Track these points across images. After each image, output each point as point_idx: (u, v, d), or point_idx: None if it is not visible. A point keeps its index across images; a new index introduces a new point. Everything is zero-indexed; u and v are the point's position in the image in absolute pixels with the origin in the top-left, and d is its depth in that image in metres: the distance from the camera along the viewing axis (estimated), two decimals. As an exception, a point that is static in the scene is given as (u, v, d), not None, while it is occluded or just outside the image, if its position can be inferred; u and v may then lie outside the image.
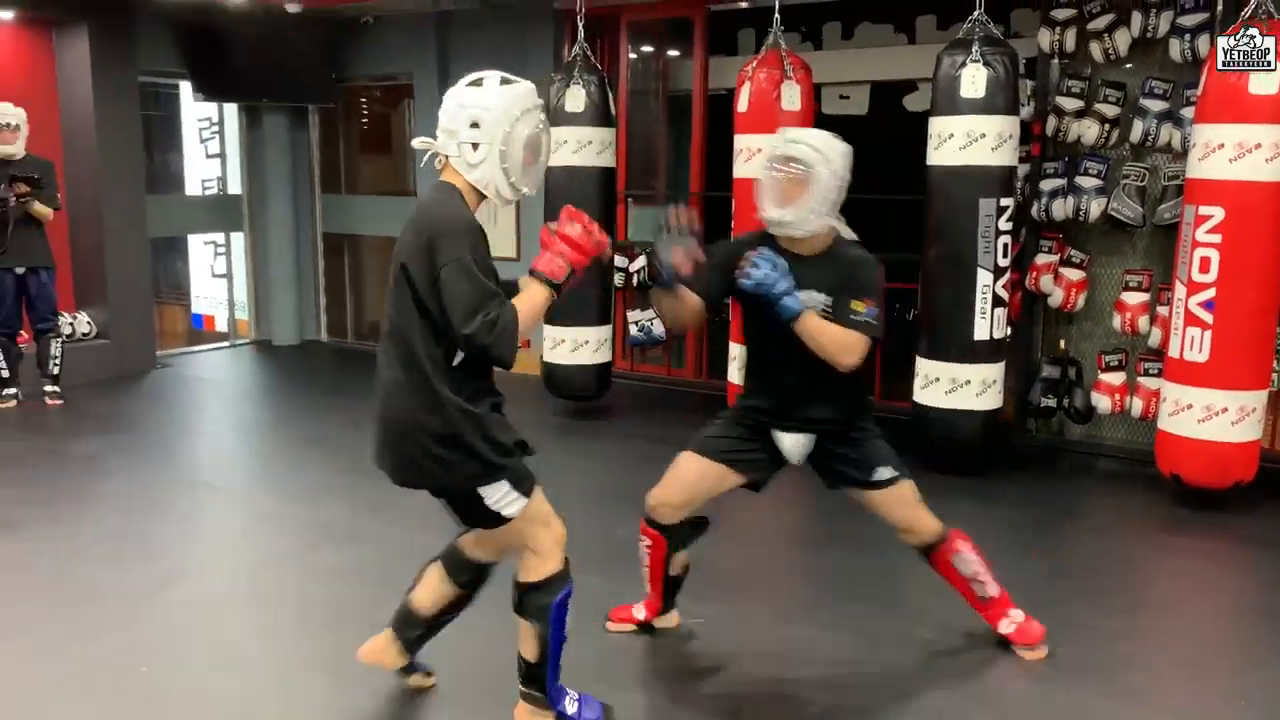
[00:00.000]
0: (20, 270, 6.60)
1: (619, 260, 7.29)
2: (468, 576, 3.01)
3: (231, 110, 9.17)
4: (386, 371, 2.71)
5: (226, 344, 9.42)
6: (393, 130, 9.46)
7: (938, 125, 5.22)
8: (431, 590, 3.02)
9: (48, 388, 6.84)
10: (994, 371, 5.31)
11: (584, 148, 6.39)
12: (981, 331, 5.23)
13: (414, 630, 3.03)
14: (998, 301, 5.24)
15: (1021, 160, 5.63)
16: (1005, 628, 3.48)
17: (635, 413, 6.93)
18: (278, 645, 3.61)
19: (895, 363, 6.54)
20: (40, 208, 6.55)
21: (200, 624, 3.58)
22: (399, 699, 3.19)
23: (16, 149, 6.51)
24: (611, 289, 6.95)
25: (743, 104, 5.81)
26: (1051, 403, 5.90)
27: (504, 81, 2.68)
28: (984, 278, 5.19)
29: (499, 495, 2.72)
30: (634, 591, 3.68)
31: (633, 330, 7.45)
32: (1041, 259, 5.83)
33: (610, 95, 6.51)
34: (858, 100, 7.91)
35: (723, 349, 6.20)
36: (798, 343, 3.08)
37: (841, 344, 3.08)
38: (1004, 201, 5.17)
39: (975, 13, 5.16)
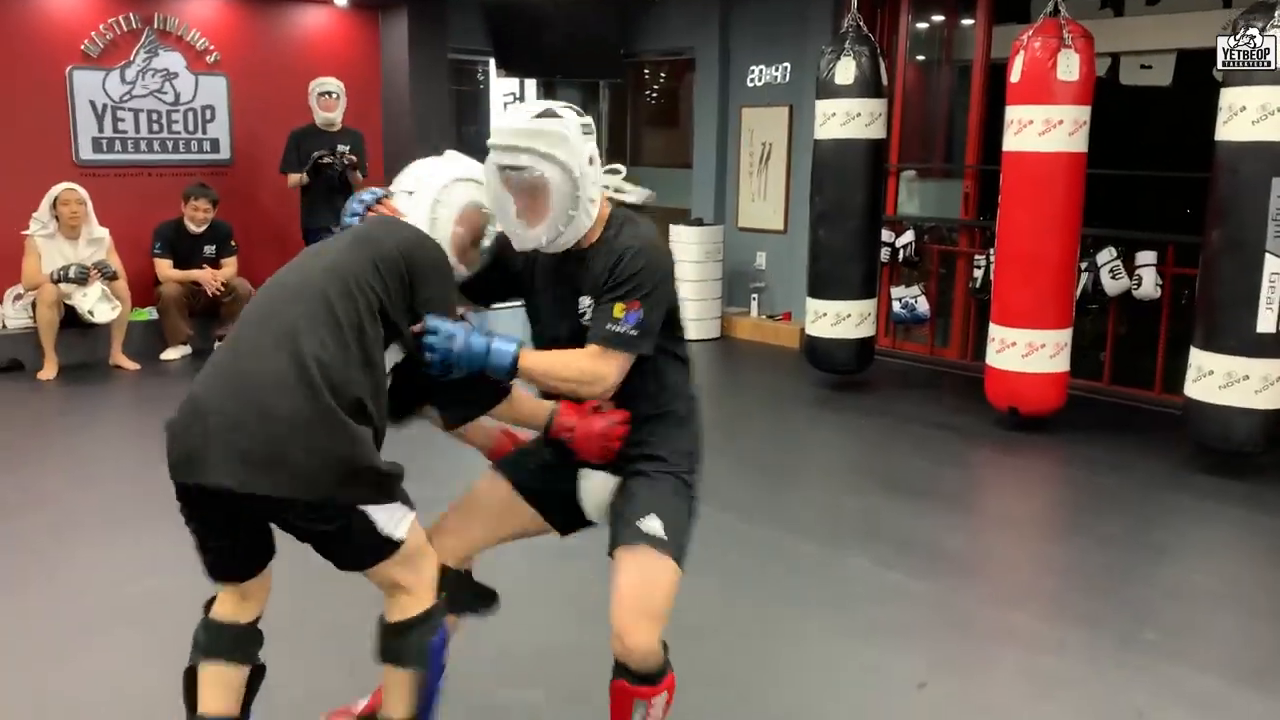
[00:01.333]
0: (336, 229, 7.40)
1: (885, 235, 7.19)
2: None
3: (531, 85, 9.82)
4: (298, 351, 2.14)
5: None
6: (678, 104, 9.76)
7: (1229, 96, 4.79)
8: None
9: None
10: (1279, 368, 4.85)
11: (852, 120, 6.36)
12: (1266, 323, 4.79)
13: None
14: (1289, 291, 4.77)
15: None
16: None
17: (893, 390, 6.84)
18: (558, 584, 3.70)
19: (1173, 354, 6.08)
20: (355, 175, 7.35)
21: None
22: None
23: (336, 116, 7.35)
24: (878, 263, 6.88)
25: (1015, 74, 5.56)
26: (1355, 407, 5.29)
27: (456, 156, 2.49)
28: (1273, 264, 4.73)
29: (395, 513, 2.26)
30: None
31: (896, 307, 7.34)
32: (1354, 246, 5.22)
33: (883, 66, 6.43)
34: (1161, 70, 7.33)
35: (987, 330, 6.00)
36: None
37: (580, 372, 2.28)
38: (1303, 181, 4.69)
39: (1283, -29, 4.69)
